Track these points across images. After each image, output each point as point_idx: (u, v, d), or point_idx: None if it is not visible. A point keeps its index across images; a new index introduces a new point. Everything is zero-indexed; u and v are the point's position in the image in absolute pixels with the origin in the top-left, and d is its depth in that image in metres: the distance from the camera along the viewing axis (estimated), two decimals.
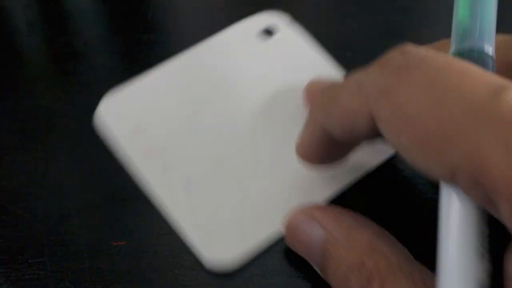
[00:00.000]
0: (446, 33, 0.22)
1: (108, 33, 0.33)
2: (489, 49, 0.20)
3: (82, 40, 0.32)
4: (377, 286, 0.19)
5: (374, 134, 0.20)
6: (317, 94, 0.26)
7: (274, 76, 0.29)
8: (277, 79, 0.29)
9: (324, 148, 0.23)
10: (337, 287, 0.21)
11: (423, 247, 0.20)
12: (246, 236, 0.24)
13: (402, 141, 0.18)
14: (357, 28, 0.32)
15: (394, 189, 0.27)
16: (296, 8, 0.32)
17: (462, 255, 0.17)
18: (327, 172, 0.25)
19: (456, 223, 0.18)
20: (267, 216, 0.25)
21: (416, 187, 0.26)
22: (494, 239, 0.18)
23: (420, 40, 0.24)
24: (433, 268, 0.19)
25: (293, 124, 0.26)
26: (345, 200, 0.26)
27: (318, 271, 0.22)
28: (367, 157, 0.26)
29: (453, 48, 0.20)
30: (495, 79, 0.17)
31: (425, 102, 0.17)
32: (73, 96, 0.30)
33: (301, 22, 0.31)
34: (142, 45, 0.32)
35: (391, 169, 0.27)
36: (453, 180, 0.17)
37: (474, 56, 0.20)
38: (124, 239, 0.25)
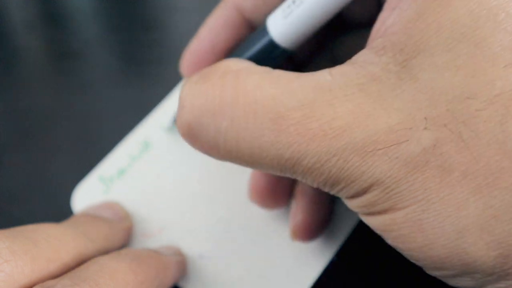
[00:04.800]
0: None
1: (106, 33, 0.33)
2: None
3: (80, 39, 0.32)
4: None
5: None
6: None
7: None
8: None
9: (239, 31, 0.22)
10: None
11: None
12: None
13: None
14: None
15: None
16: None
17: None
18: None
19: None
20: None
21: None
22: None
23: None
24: None
25: None
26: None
27: None
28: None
29: None
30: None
31: None
32: (71, 96, 0.30)
33: None
34: (141, 45, 0.32)
35: None
36: None
37: None
38: None
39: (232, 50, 0.22)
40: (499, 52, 0.14)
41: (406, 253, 0.16)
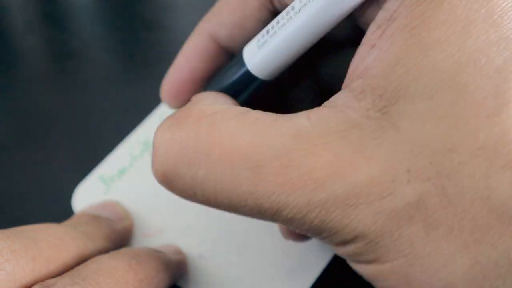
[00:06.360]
0: None
1: (106, 32, 0.33)
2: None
3: (80, 39, 0.32)
4: None
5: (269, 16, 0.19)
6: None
7: None
8: None
9: (210, 60, 0.21)
10: None
11: None
12: None
13: None
14: None
15: None
16: None
17: None
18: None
19: None
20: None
21: None
22: None
23: None
24: None
25: None
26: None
27: None
28: None
29: None
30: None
31: None
32: (71, 96, 0.30)
33: None
34: (141, 44, 0.32)
35: None
36: None
37: None
38: None
39: (211, 76, 0.22)
40: (481, 101, 0.14)
41: None
